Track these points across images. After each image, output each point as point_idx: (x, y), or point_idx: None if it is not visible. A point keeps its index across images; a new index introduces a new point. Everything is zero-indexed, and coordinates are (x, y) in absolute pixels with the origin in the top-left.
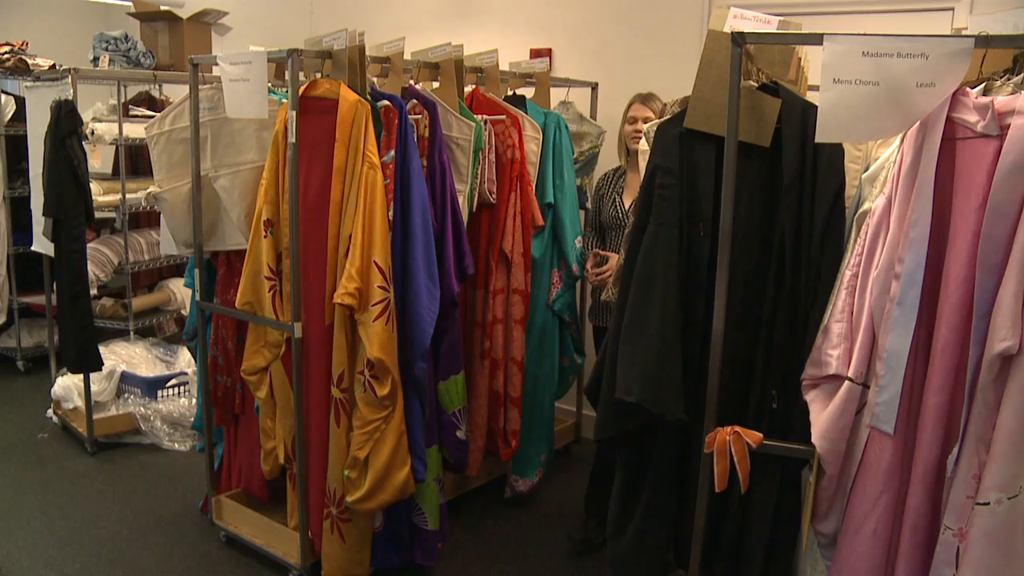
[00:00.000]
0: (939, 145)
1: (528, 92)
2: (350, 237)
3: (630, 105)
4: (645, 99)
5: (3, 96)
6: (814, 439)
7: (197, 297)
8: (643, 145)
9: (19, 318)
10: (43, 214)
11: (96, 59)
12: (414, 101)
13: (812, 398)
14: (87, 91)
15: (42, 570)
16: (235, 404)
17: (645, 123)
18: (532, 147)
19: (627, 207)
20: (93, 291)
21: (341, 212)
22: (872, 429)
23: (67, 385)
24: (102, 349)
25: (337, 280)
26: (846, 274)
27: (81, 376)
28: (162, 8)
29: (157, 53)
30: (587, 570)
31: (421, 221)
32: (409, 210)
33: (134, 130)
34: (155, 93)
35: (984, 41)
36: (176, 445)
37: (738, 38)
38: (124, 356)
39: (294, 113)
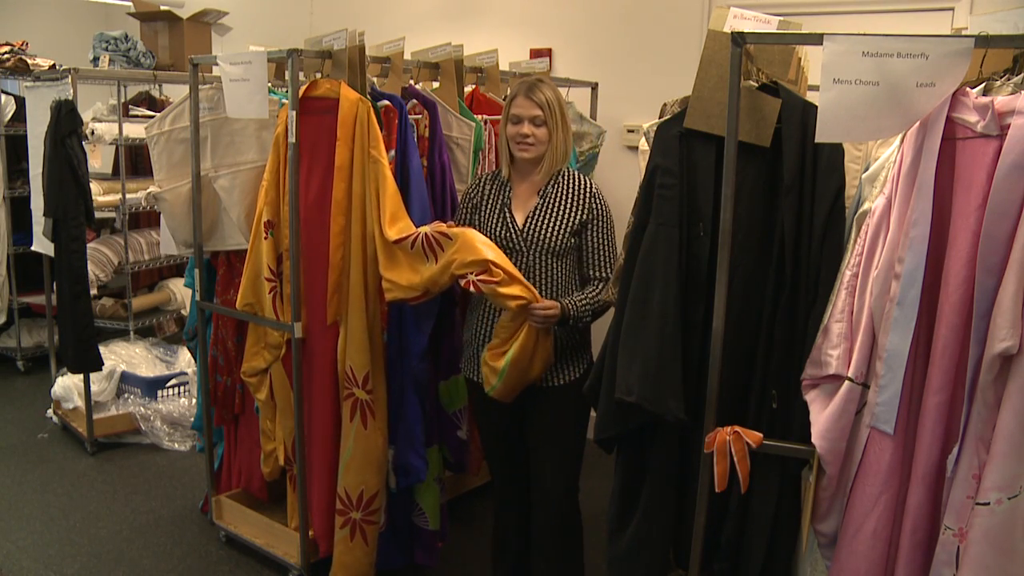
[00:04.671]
0: (939, 145)
1: None
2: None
3: (512, 99)
4: (530, 90)
5: (3, 96)
6: (814, 439)
7: (197, 297)
8: (643, 145)
9: (19, 318)
10: (43, 214)
11: (96, 59)
12: (414, 101)
13: (812, 398)
14: (87, 91)
15: (42, 570)
16: (235, 404)
17: (533, 124)
18: None
19: (521, 226)
20: (93, 291)
21: (343, 211)
22: (872, 429)
23: (67, 385)
24: (102, 349)
25: (340, 279)
26: (846, 274)
27: (81, 376)
28: (162, 8)
29: (157, 53)
30: (587, 569)
31: (420, 221)
32: (408, 210)
33: (134, 130)
34: (155, 93)
35: (984, 41)
36: (176, 445)
37: (738, 38)
38: (124, 356)
39: (294, 113)
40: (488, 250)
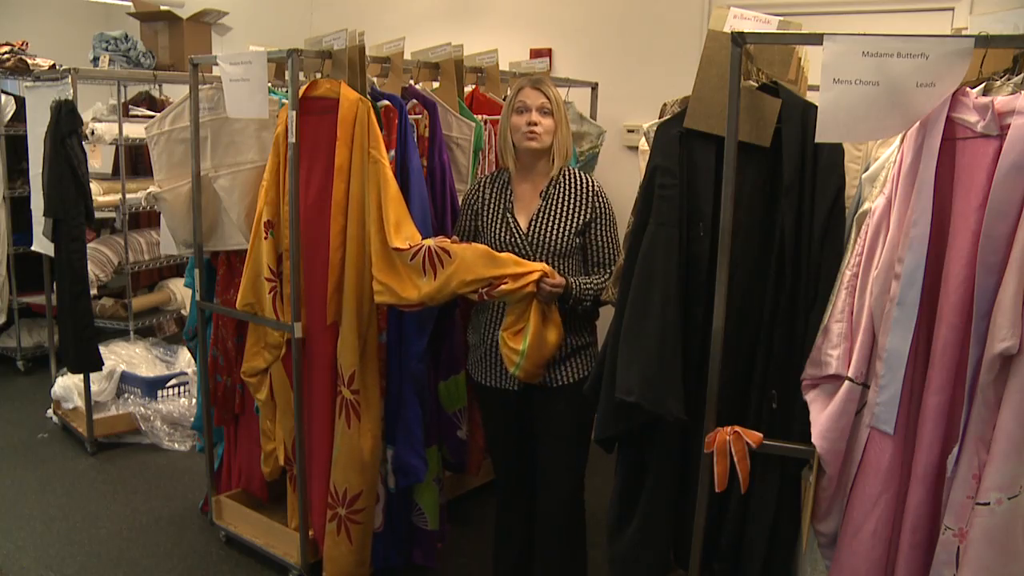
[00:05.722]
0: (939, 145)
1: None
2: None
3: (518, 91)
4: (537, 82)
5: (3, 96)
6: (814, 439)
7: (197, 297)
8: (643, 145)
9: (19, 318)
10: (43, 214)
11: (96, 59)
12: (414, 101)
13: (812, 398)
14: (87, 91)
15: (42, 570)
16: (235, 404)
17: (540, 112)
18: None
19: (525, 229)
20: (93, 291)
21: (343, 211)
22: (872, 429)
23: (67, 385)
24: (102, 349)
25: (340, 280)
26: (846, 274)
27: (81, 376)
28: (162, 8)
29: (157, 53)
30: (588, 569)
31: (420, 221)
32: (408, 211)
33: (134, 130)
34: (155, 93)
35: (984, 41)
36: (176, 445)
37: (738, 38)
38: (124, 356)
39: (294, 113)
40: (487, 267)
